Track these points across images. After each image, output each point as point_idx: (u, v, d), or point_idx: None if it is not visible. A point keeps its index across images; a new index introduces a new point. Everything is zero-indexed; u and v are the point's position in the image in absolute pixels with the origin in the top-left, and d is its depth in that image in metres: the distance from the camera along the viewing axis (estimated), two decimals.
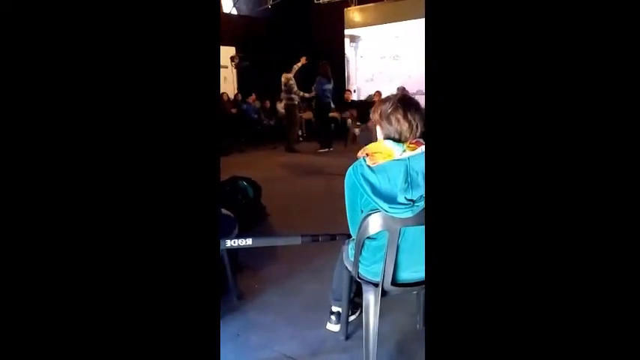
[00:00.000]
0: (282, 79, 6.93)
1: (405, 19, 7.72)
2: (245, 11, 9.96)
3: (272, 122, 8.60)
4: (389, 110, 1.43)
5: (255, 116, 8.35)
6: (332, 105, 7.55)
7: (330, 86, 7.02)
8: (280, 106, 8.63)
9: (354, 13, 9.15)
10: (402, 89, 6.68)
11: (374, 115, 1.51)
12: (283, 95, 7.15)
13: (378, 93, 8.00)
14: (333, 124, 7.94)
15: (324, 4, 9.26)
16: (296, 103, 7.06)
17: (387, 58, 8.35)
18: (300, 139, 8.31)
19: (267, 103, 8.88)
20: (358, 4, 9.02)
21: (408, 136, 1.42)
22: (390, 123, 1.43)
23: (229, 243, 1.86)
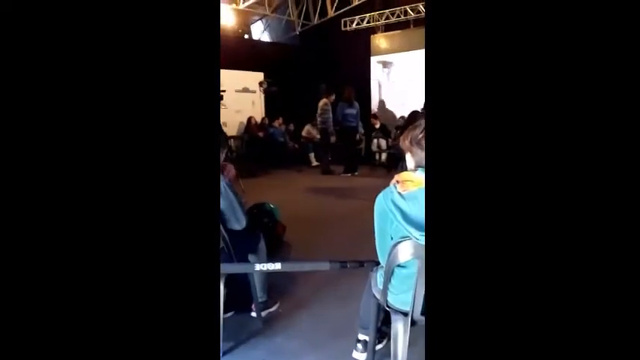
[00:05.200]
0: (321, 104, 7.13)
1: None
2: (274, 37, 10.26)
3: (296, 146, 8.70)
4: (420, 136, 1.43)
5: (282, 139, 8.48)
6: (360, 129, 7.56)
7: (352, 111, 7.05)
8: (306, 130, 8.73)
9: (380, 40, 9.28)
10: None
11: (404, 143, 1.51)
12: (318, 119, 7.29)
13: (402, 118, 8.06)
14: (359, 149, 7.97)
15: (350, 31, 9.45)
16: (331, 127, 7.17)
17: (419, 83, 8.35)
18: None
19: (292, 126, 9.00)
20: (384, 32, 9.16)
21: None
22: (422, 148, 1.42)
23: (258, 267, 1.87)
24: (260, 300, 2.24)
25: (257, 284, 2.20)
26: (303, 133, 8.79)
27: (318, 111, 7.19)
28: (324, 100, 7.12)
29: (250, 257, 2.20)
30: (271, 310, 2.30)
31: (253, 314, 2.22)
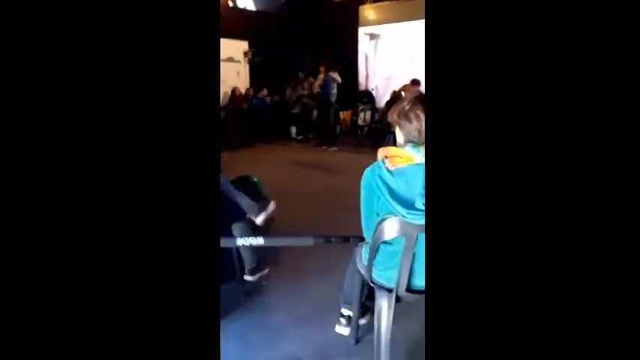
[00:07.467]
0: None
1: (422, 18, 7.60)
2: (259, 6, 9.93)
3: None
4: (407, 107, 1.41)
5: (267, 111, 8.32)
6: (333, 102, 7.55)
7: (335, 84, 7.07)
8: (288, 94, 8.59)
9: (369, 11, 9.07)
10: (415, 81, 6.65)
11: (392, 116, 1.47)
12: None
13: (394, 92, 8.00)
14: (338, 126, 7.96)
15: (338, 1, 9.19)
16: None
17: (407, 56, 8.23)
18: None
19: (277, 97, 8.82)
20: (373, 2, 8.95)
21: None
22: (410, 121, 1.39)
23: (240, 242, 1.83)
24: (250, 266, 2.23)
25: (244, 252, 2.19)
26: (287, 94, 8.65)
27: (322, 77, 7.11)
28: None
29: (234, 227, 2.14)
30: (263, 273, 2.26)
31: (248, 277, 2.21)
